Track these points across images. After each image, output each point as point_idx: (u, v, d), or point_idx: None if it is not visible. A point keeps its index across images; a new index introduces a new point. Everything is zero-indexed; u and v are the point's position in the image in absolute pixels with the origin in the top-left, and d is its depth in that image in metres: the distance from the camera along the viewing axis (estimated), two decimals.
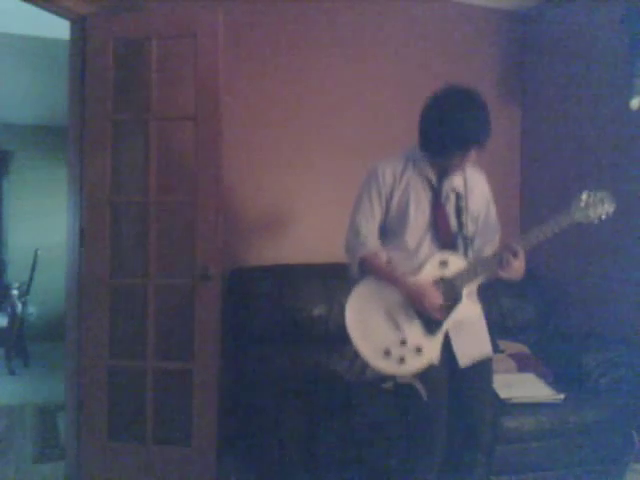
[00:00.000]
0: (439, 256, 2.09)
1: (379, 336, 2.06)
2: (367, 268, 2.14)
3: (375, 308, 2.10)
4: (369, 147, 3.44)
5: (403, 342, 2.05)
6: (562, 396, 2.77)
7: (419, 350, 2.04)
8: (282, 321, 3.05)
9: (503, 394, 2.74)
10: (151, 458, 2.83)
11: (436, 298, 2.03)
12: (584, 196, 2.03)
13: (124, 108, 2.90)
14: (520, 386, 2.85)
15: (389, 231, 2.19)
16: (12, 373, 5.34)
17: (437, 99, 2.08)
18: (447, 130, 2.01)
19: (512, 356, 3.11)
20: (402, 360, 2.03)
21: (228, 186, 3.15)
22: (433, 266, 2.08)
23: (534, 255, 3.69)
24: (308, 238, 3.41)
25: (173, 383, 2.96)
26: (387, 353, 2.04)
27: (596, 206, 2.02)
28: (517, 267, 2.02)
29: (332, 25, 3.50)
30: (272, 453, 2.56)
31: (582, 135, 3.48)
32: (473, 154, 2.06)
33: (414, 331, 2.06)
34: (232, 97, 3.13)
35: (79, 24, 2.86)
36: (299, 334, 3.08)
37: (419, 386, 2.02)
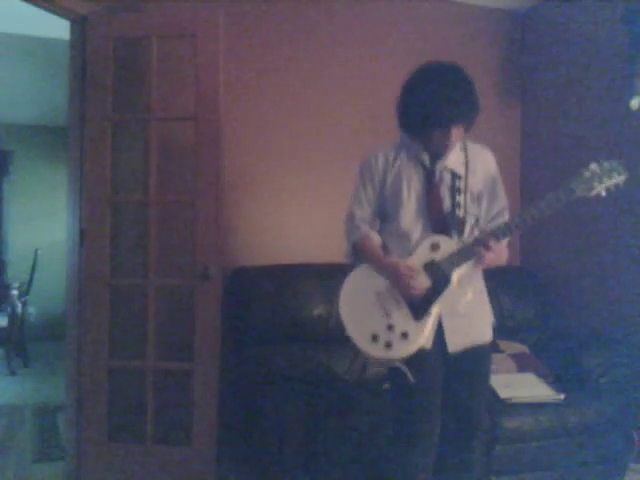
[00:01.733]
0: (431, 239, 2.06)
1: (368, 321, 2.05)
2: (360, 252, 2.16)
3: (366, 293, 2.08)
4: (369, 147, 3.40)
5: (390, 327, 2.02)
6: (562, 396, 2.77)
7: (405, 335, 2.00)
8: (282, 321, 3.05)
9: (503, 394, 2.74)
10: (151, 458, 2.83)
11: (414, 279, 2.00)
12: (593, 166, 2.01)
13: (124, 108, 2.90)
14: (520, 386, 2.85)
15: (385, 216, 2.18)
16: (12, 373, 5.33)
17: (412, 76, 2.06)
18: (418, 108, 1.99)
19: (512, 356, 3.11)
20: (389, 345, 2.00)
21: (228, 186, 3.15)
22: (424, 249, 2.05)
23: (535, 255, 3.73)
24: (308, 238, 3.41)
25: (173, 383, 2.96)
26: (375, 338, 2.02)
27: (602, 177, 2.00)
28: (492, 259, 2.00)
29: (332, 25, 3.50)
30: (272, 453, 2.56)
31: (582, 135, 3.48)
32: (456, 132, 2.00)
33: (401, 316, 2.03)
34: (232, 97, 3.12)
35: (79, 24, 2.86)
36: (299, 334, 3.08)
37: (405, 369, 2.00)
